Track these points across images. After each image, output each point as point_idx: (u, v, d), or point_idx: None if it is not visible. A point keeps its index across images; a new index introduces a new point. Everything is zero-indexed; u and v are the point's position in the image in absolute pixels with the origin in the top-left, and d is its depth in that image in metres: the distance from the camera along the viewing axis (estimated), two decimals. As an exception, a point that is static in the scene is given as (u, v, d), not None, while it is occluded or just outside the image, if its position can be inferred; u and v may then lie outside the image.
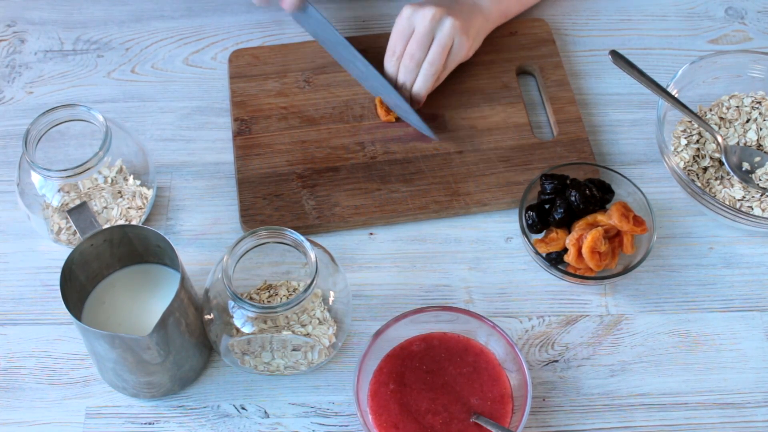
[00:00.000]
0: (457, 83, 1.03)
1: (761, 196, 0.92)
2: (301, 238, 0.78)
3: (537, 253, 0.88)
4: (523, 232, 0.89)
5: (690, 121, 0.97)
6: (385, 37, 1.07)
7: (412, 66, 0.97)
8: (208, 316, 0.81)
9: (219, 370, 0.86)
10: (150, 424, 0.83)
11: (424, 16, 0.95)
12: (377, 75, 0.99)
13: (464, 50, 0.99)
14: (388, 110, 1.00)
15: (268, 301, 0.85)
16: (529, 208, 0.90)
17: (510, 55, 1.06)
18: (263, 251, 0.81)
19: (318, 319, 0.82)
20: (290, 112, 1.01)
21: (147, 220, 0.94)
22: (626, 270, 0.87)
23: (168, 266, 0.85)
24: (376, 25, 1.11)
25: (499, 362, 0.82)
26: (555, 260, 0.88)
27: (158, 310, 0.78)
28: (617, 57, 0.96)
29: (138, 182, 0.93)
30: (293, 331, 0.80)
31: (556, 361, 0.86)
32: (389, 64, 0.99)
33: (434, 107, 1.01)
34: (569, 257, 0.87)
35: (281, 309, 0.76)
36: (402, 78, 0.98)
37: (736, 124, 0.97)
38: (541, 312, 0.89)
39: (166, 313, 0.75)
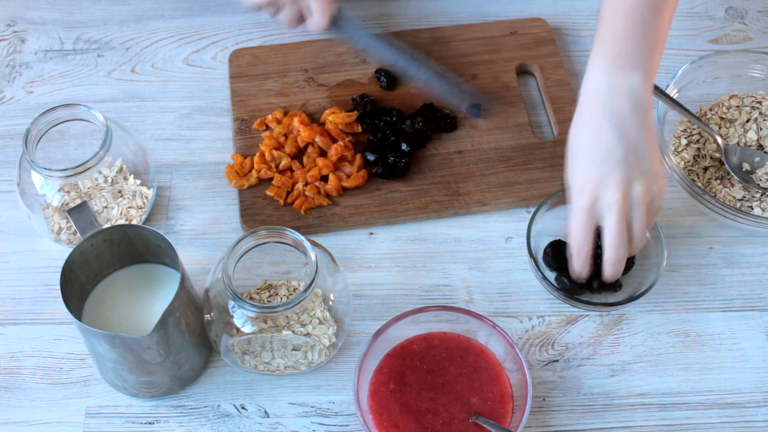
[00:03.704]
0: (456, 83, 1.03)
1: (761, 196, 0.92)
2: (302, 237, 0.78)
3: (544, 278, 0.86)
4: (530, 254, 0.87)
5: (690, 121, 0.97)
6: (384, 37, 1.07)
7: (621, 264, 0.82)
8: (208, 316, 0.81)
9: (219, 369, 0.86)
10: (150, 423, 0.83)
11: (611, 207, 0.79)
12: (421, 71, 0.98)
13: (663, 195, 0.83)
14: None
15: (268, 301, 0.85)
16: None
17: (510, 55, 1.06)
18: (263, 251, 0.81)
19: (318, 318, 0.82)
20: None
21: (147, 220, 0.94)
22: (632, 298, 0.85)
23: (168, 266, 0.85)
24: (376, 25, 1.11)
25: (500, 362, 0.82)
26: (566, 289, 0.87)
27: (158, 310, 0.78)
28: None
29: (138, 182, 0.93)
30: (293, 331, 0.80)
31: (556, 360, 0.86)
32: (581, 268, 0.83)
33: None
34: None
35: (281, 309, 0.76)
36: (609, 276, 0.84)
37: (736, 124, 0.97)
38: (541, 312, 0.89)
39: (166, 313, 0.75)
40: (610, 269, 0.83)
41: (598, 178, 0.79)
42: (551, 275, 0.89)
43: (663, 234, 0.87)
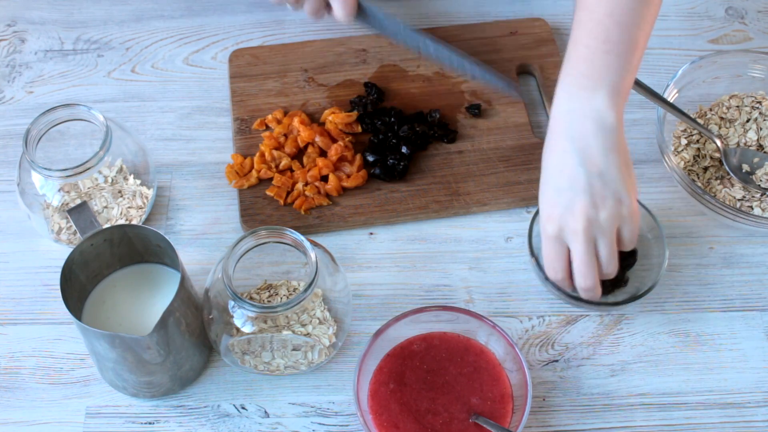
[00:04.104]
0: (457, 83, 1.03)
1: (761, 196, 0.92)
2: (302, 237, 0.78)
3: (547, 279, 0.85)
4: (532, 253, 0.87)
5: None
6: (384, 37, 1.07)
7: (592, 288, 0.82)
8: (208, 316, 0.81)
9: (219, 369, 0.86)
10: (150, 423, 0.83)
11: (575, 235, 0.78)
12: (448, 53, 0.94)
13: (636, 218, 0.81)
14: None
15: (268, 301, 0.85)
16: None
17: (510, 55, 1.06)
18: (263, 251, 0.81)
19: (318, 318, 0.82)
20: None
21: (147, 220, 0.94)
22: (634, 297, 0.85)
23: (168, 266, 0.85)
24: (376, 25, 1.11)
25: (500, 362, 0.82)
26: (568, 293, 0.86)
27: (158, 310, 0.78)
28: None
29: (138, 182, 0.93)
30: (293, 331, 0.80)
31: (556, 360, 0.86)
32: (562, 286, 0.84)
33: (435, 107, 1.01)
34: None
35: (281, 309, 0.76)
36: (584, 296, 0.84)
37: (736, 124, 0.97)
38: (541, 312, 0.89)
39: (166, 313, 0.75)
40: (584, 295, 0.83)
41: (563, 206, 0.78)
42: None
43: (665, 234, 0.87)
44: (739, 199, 0.93)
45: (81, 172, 0.85)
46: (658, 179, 0.97)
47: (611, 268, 0.81)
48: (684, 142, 0.96)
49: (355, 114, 0.99)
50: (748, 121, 0.97)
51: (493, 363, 0.82)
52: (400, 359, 0.82)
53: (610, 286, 0.86)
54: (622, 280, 0.87)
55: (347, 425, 0.83)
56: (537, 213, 0.88)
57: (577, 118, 0.79)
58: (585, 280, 0.81)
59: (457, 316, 0.82)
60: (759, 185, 0.93)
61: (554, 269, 0.82)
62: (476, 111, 1.00)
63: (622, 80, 0.79)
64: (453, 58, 0.96)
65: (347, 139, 0.98)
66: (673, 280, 0.91)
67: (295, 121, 0.98)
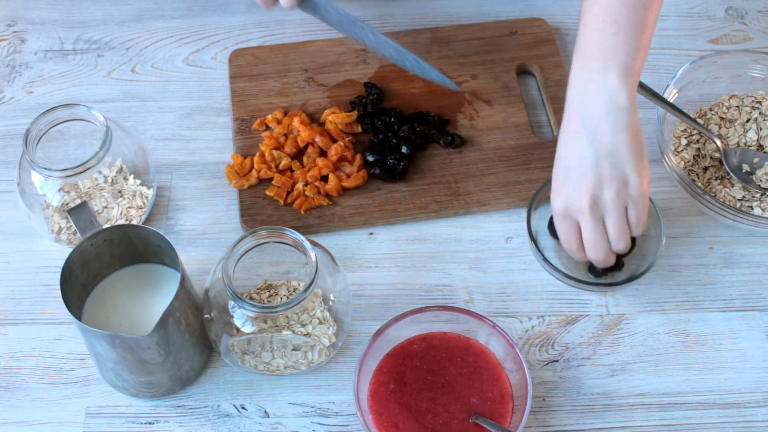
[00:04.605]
0: (457, 83, 1.03)
1: (761, 196, 0.92)
2: (302, 237, 0.78)
3: (545, 260, 0.86)
4: (531, 236, 0.88)
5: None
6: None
7: (603, 261, 0.84)
8: (208, 316, 0.81)
9: (219, 369, 0.86)
10: (150, 423, 0.83)
11: (581, 212, 0.81)
12: (389, 42, 0.95)
13: (645, 197, 0.81)
14: None
15: (269, 301, 0.85)
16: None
17: (510, 55, 1.06)
18: (263, 251, 0.81)
19: (318, 318, 0.82)
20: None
21: (147, 220, 0.94)
22: (632, 278, 0.85)
23: (168, 266, 0.85)
24: (375, 25, 1.11)
25: (500, 362, 0.82)
26: (568, 276, 0.87)
27: (158, 310, 0.79)
28: None
29: (138, 182, 0.93)
30: (293, 331, 0.80)
31: (556, 360, 0.86)
32: (581, 258, 0.85)
33: (435, 107, 1.01)
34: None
35: (281, 309, 0.76)
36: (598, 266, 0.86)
37: (736, 124, 0.97)
38: (541, 312, 0.89)
39: (166, 313, 0.75)
40: (599, 265, 0.85)
41: (571, 184, 0.81)
42: (552, 256, 0.89)
43: (660, 212, 0.87)
44: (739, 199, 0.93)
45: (81, 172, 0.85)
46: (658, 179, 0.97)
47: (621, 245, 0.83)
48: (684, 142, 0.96)
49: (355, 114, 0.99)
50: (748, 121, 0.97)
51: (493, 363, 0.82)
52: (400, 359, 0.82)
53: (604, 270, 0.87)
54: (617, 264, 0.88)
55: (347, 425, 0.83)
56: (536, 194, 0.89)
57: (588, 100, 0.80)
58: (595, 254, 0.83)
59: (457, 316, 0.82)
60: (759, 185, 0.93)
61: (568, 242, 0.85)
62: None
63: (633, 60, 0.80)
64: (395, 51, 0.95)
65: (347, 139, 0.98)
66: (673, 280, 0.91)
67: (295, 121, 0.98)
